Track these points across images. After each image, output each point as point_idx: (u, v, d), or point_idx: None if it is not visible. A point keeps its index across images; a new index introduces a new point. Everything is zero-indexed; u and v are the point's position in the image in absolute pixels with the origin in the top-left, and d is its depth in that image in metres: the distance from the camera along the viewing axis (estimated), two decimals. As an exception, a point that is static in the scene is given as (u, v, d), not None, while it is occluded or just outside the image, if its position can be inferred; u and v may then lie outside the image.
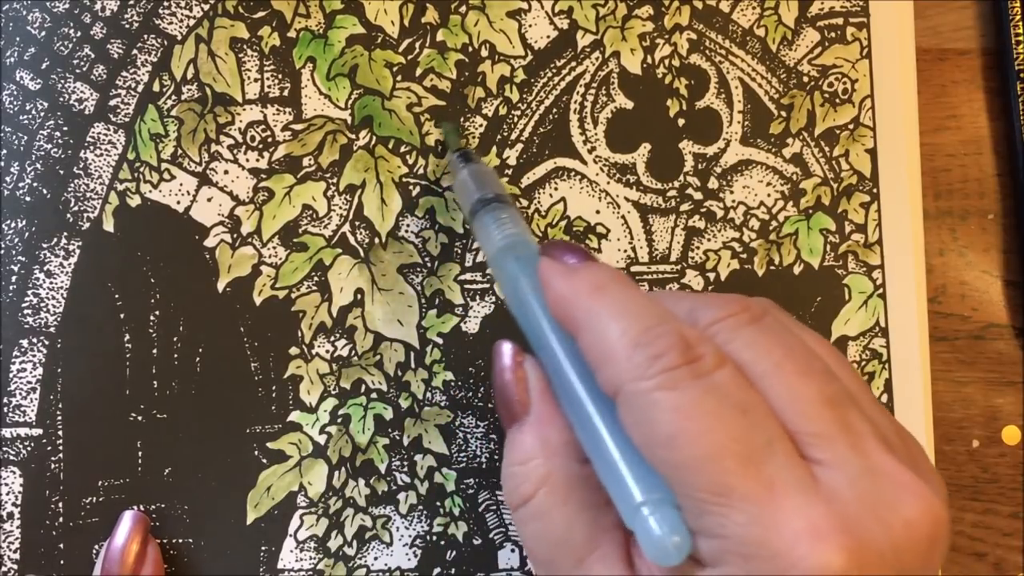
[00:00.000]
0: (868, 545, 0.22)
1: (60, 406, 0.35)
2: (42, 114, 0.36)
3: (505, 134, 0.39)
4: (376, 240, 0.38)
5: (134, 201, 0.36)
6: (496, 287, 0.33)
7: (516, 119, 0.39)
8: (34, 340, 0.35)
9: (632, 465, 0.25)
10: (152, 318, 0.36)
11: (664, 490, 0.24)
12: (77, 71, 0.36)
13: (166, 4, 0.36)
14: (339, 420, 0.37)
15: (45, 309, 0.35)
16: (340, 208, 0.37)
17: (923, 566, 0.23)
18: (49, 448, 0.35)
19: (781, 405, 0.24)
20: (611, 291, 0.26)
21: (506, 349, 0.30)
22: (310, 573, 0.37)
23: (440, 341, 0.38)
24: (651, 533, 0.24)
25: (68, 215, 0.36)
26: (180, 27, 0.37)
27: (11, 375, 0.35)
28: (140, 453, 0.36)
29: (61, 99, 0.36)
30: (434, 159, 0.38)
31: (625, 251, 0.39)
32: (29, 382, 0.35)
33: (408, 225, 0.38)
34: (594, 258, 0.29)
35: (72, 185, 0.36)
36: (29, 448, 0.35)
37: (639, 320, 0.25)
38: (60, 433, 0.35)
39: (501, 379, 0.30)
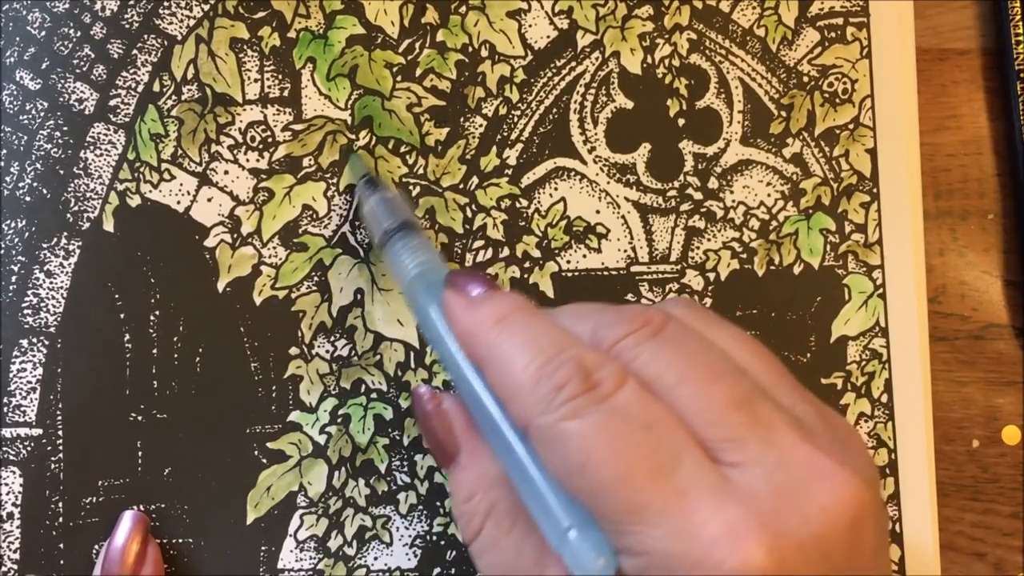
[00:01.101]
0: (787, 537, 0.23)
1: (60, 406, 0.35)
2: (42, 114, 0.36)
3: (505, 134, 0.39)
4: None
5: (134, 201, 0.36)
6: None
7: (516, 119, 0.39)
8: (34, 340, 0.35)
9: (555, 492, 0.25)
10: (152, 318, 0.36)
11: (587, 514, 0.25)
12: (77, 71, 0.36)
13: (166, 4, 0.36)
14: (339, 420, 0.37)
15: (45, 309, 0.35)
16: (340, 208, 0.37)
17: (849, 550, 0.23)
18: (49, 448, 0.35)
19: (689, 415, 0.25)
20: (512, 323, 0.27)
21: (423, 392, 0.31)
22: (310, 573, 0.37)
23: (440, 341, 0.38)
24: (577, 556, 0.24)
25: (68, 215, 0.36)
26: (180, 27, 0.37)
27: (11, 375, 0.35)
28: (140, 453, 0.36)
29: (61, 99, 0.36)
30: (434, 159, 0.38)
31: (625, 251, 0.39)
32: (29, 382, 0.35)
33: (408, 225, 0.38)
34: (497, 287, 0.29)
35: (72, 185, 0.36)
36: (29, 448, 0.35)
37: (541, 352, 0.26)
38: (60, 433, 0.35)
39: (425, 424, 0.30)
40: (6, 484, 0.35)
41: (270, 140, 0.37)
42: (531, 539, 0.27)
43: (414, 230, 0.33)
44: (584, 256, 0.39)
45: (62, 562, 0.35)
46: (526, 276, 0.38)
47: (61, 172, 0.36)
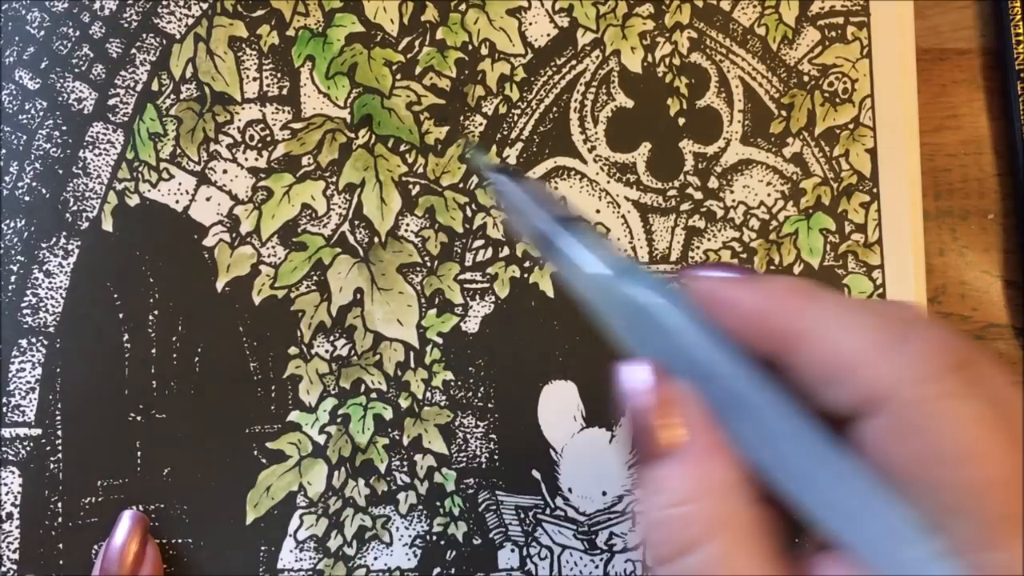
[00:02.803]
0: None
1: (59, 406, 0.35)
2: (41, 113, 0.35)
3: (505, 133, 0.39)
4: (375, 239, 0.37)
5: (133, 200, 0.36)
6: (595, 311, 0.26)
7: (516, 118, 0.39)
8: (33, 340, 0.35)
9: (892, 511, 0.21)
10: (151, 318, 0.36)
11: (934, 535, 0.20)
12: (76, 70, 0.36)
13: (165, 3, 0.36)
14: (339, 420, 0.37)
15: (44, 309, 0.35)
16: (339, 207, 0.37)
17: None
18: (48, 448, 0.35)
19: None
20: (823, 293, 0.23)
21: (643, 367, 0.24)
22: (310, 573, 0.37)
23: (440, 341, 0.38)
24: None
25: (67, 215, 0.35)
26: (179, 26, 0.36)
27: (10, 375, 0.35)
28: (139, 453, 0.36)
29: (60, 98, 0.36)
30: (434, 157, 0.38)
31: (625, 250, 0.39)
32: (28, 382, 0.35)
33: (408, 224, 0.38)
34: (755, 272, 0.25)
35: (71, 185, 0.36)
36: (28, 448, 0.35)
37: (880, 316, 0.22)
38: (59, 433, 0.35)
39: (640, 401, 0.24)
40: (6, 484, 0.35)
41: (269, 139, 0.37)
42: (771, 567, 0.22)
43: (588, 224, 0.27)
44: (584, 256, 0.39)
45: (61, 562, 0.35)
46: (526, 276, 0.38)
47: (60, 172, 0.35)
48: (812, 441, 0.22)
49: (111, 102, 0.36)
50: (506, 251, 0.38)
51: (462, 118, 0.38)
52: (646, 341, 0.24)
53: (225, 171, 0.37)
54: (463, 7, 0.38)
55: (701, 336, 0.23)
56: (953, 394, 0.20)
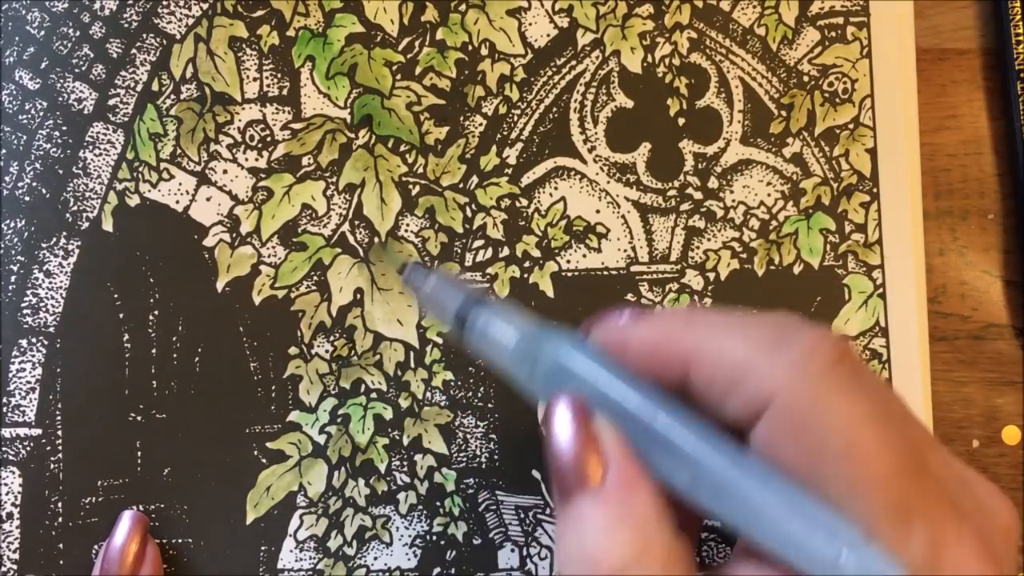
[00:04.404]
0: (1001, 560, 0.22)
1: (59, 406, 0.35)
2: (41, 114, 0.35)
3: (505, 133, 0.39)
4: (376, 239, 0.37)
5: (133, 201, 0.36)
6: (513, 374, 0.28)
7: (516, 118, 0.39)
8: (33, 340, 0.35)
9: (800, 511, 0.22)
10: (151, 318, 0.36)
11: (845, 528, 0.21)
12: (76, 70, 0.36)
13: (165, 3, 0.36)
14: (339, 420, 0.37)
15: (44, 309, 0.35)
16: (339, 207, 0.37)
17: (1012, 567, 0.23)
18: (48, 448, 0.35)
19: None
20: (706, 315, 0.24)
21: (566, 401, 0.25)
22: (310, 573, 0.37)
23: (440, 341, 0.38)
24: None
25: (67, 215, 0.35)
26: (179, 26, 0.36)
27: (10, 375, 0.35)
28: (139, 453, 0.36)
29: (60, 99, 0.36)
30: (434, 158, 0.38)
31: (625, 251, 0.39)
32: (28, 382, 0.35)
33: (408, 224, 0.38)
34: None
35: (71, 185, 0.36)
36: (29, 448, 0.35)
37: (760, 326, 0.23)
38: (59, 433, 0.35)
39: (561, 438, 0.24)
40: (6, 484, 0.35)
41: (269, 139, 0.37)
42: None
43: (490, 299, 0.29)
44: (584, 256, 0.39)
45: (62, 562, 0.35)
46: (526, 276, 0.38)
47: (60, 172, 0.36)
48: (722, 455, 0.23)
49: (111, 102, 0.36)
50: (506, 251, 0.38)
51: (462, 118, 0.38)
52: (577, 389, 0.25)
53: (225, 171, 0.37)
54: (463, 7, 0.38)
55: (611, 378, 0.25)
56: (831, 392, 0.21)
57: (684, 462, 0.23)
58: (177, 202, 0.36)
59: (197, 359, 0.36)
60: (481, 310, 0.28)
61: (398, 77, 0.38)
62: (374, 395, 0.37)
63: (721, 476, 0.23)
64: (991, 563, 0.21)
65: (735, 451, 0.23)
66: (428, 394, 0.37)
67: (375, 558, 0.37)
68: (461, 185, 0.38)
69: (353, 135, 0.38)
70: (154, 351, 0.36)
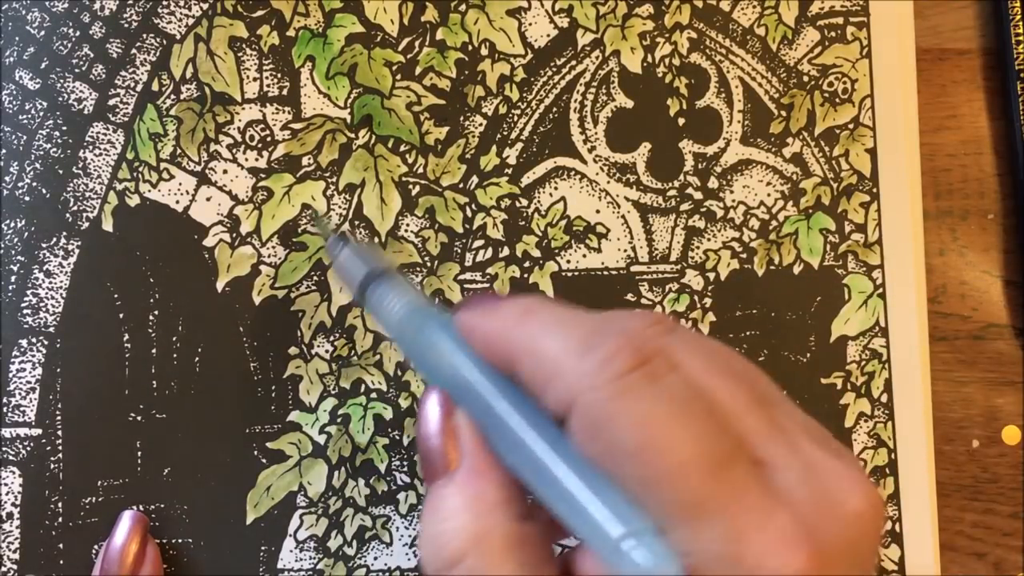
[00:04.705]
0: (829, 546, 0.22)
1: (59, 406, 0.35)
2: (41, 114, 0.35)
3: (505, 133, 0.39)
4: (376, 239, 0.37)
5: (133, 201, 0.36)
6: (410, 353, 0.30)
7: (516, 118, 0.39)
8: (33, 340, 0.35)
9: (601, 496, 0.23)
10: (151, 318, 0.36)
11: (639, 517, 0.22)
12: (76, 71, 0.36)
13: (165, 3, 0.36)
14: (339, 420, 0.37)
15: (44, 309, 0.35)
16: (340, 207, 0.37)
17: (870, 554, 0.23)
18: (48, 448, 0.35)
19: (723, 406, 0.23)
20: (540, 312, 0.25)
21: (434, 397, 0.27)
22: (310, 573, 0.37)
23: (440, 341, 0.38)
24: (639, 567, 0.22)
25: (67, 215, 0.35)
26: (179, 26, 0.36)
27: (10, 375, 0.35)
28: (139, 453, 0.36)
29: (60, 99, 0.36)
30: (434, 158, 0.38)
31: (625, 251, 0.39)
32: (28, 382, 0.35)
33: (408, 224, 0.38)
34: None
35: (71, 185, 0.36)
36: (29, 448, 0.35)
37: (579, 325, 0.24)
38: (59, 433, 0.35)
39: (427, 428, 0.27)
40: (6, 484, 0.35)
41: (269, 139, 0.37)
42: None
43: (394, 274, 0.31)
44: (584, 256, 0.39)
45: (62, 562, 0.35)
46: (526, 276, 0.38)
47: (60, 172, 0.36)
48: (544, 441, 0.24)
49: (111, 102, 0.36)
50: (506, 251, 0.38)
51: (462, 118, 0.38)
52: (434, 372, 0.28)
53: (225, 171, 0.37)
54: (463, 8, 0.38)
55: (467, 363, 0.27)
56: (624, 397, 0.22)
57: (514, 445, 0.25)
58: (177, 202, 0.36)
59: (197, 359, 0.36)
60: (378, 285, 0.30)
61: (398, 77, 0.38)
62: (374, 395, 0.37)
63: (539, 460, 0.24)
64: (802, 552, 0.21)
65: (556, 438, 0.24)
66: (428, 394, 0.37)
67: (375, 558, 0.37)
68: (461, 185, 0.38)
69: (353, 135, 0.38)
70: (154, 351, 0.36)
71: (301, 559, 0.36)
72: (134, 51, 0.36)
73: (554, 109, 0.39)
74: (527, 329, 0.25)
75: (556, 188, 0.39)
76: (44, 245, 0.35)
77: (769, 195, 0.40)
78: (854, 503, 0.23)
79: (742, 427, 0.23)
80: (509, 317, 0.26)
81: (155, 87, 0.36)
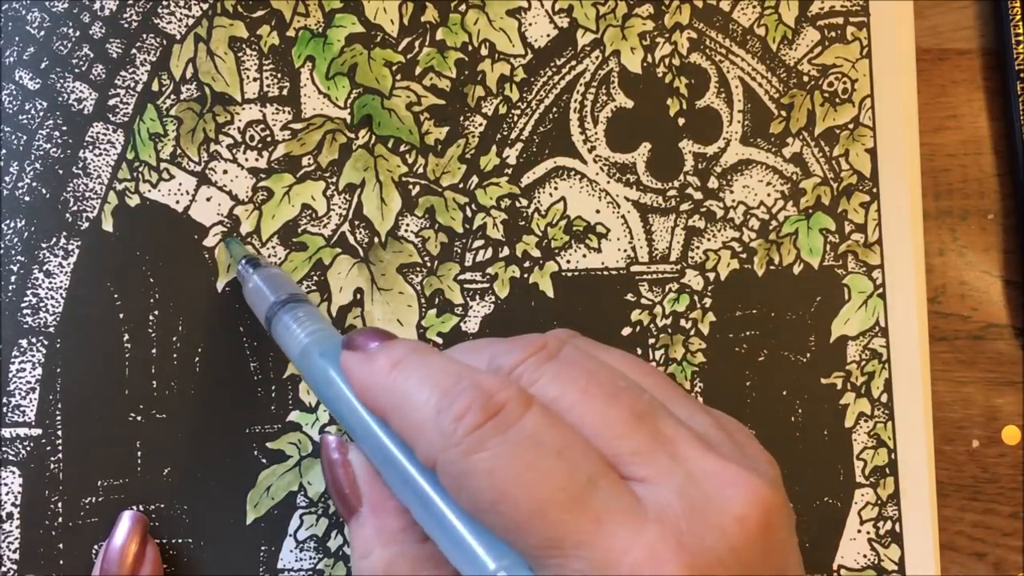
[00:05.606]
0: (706, 555, 0.22)
1: (59, 406, 0.35)
2: (41, 114, 0.35)
3: (505, 133, 0.39)
4: (376, 239, 0.37)
5: (133, 201, 0.36)
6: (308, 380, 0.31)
7: (516, 118, 0.39)
8: (33, 340, 0.35)
9: (475, 534, 0.24)
10: (151, 318, 0.36)
11: (513, 553, 0.24)
12: (76, 71, 0.36)
13: (165, 3, 0.36)
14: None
15: (44, 309, 0.35)
16: (339, 207, 0.37)
17: (764, 554, 0.23)
18: (48, 448, 0.35)
19: (595, 431, 0.24)
20: (407, 364, 0.26)
21: (330, 442, 0.30)
22: (310, 573, 0.37)
23: (440, 341, 0.38)
24: None
25: (67, 215, 0.35)
26: (179, 26, 0.36)
27: (10, 375, 0.35)
28: (139, 453, 0.36)
29: (60, 99, 0.36)
30: (434, 158, 0.38)
31: (625, 251, 0.39)
32: (28, 382, 0.35)
33: (408, 224, 0.38)
34: (393, 336, 0.29)
35: (71, 185, 0.36)
36: (28, 448, 0.35)
37: (437, 385, 0.25)
38: (59, 433, 0.35)
39: (331, 473, 0.29)
40: (6, 484, 0.35)
41: (269, 139, 0.37)
42: None
43: (300, 301, 0.32)
44: (584, 256, 0.39)
45: (61, 562, 0.35)
46: (526, 276, 0.38)
47: (60, 172, 0.36)
48: (425, 486, 0.26)
49: (111, 102, 0.36)
50: (506, 251, 0.38)
51: (462, 118, 0.38)
52: (331, 406, 0.29)
53: (225, 171, 0.37)
54: (463, 8, 0.38)
55: (353, 403, 0.28)
56: (477, 450, 0.23)
57: (401, 482, 0.27)
58: (177, 202, 0.36)
59: (197, 359, 0.36)
60: (281, 317, 0.32)
61: (398, 77, 0.38)
62: (374, 395, 0.37)
63: (422, 498, 0.26)
64: (672, 564, 0.22)
65: (435, 479, 0.25)
66: (428, 394, 0.37)
67: (375, 558, 0.37)
68: (461, 185, 0.38)
69: (353, 135, 0.38)
70: (154, 351, 0.36)
71: (301, 559, 0.36)
72: (134, 51, 0.36)
73: (554, 109, 0.39)
74: (395, 384, 0.26)
75: (556, 188, 0.39)
76: (44, 245, 0.35)
77: (769, 195, 0.40)
78: (735, 508, 0.23)
79: (613, 449, 0.24)
80: (380, 369, 0.27)
81: (155, 87, 0.36)
